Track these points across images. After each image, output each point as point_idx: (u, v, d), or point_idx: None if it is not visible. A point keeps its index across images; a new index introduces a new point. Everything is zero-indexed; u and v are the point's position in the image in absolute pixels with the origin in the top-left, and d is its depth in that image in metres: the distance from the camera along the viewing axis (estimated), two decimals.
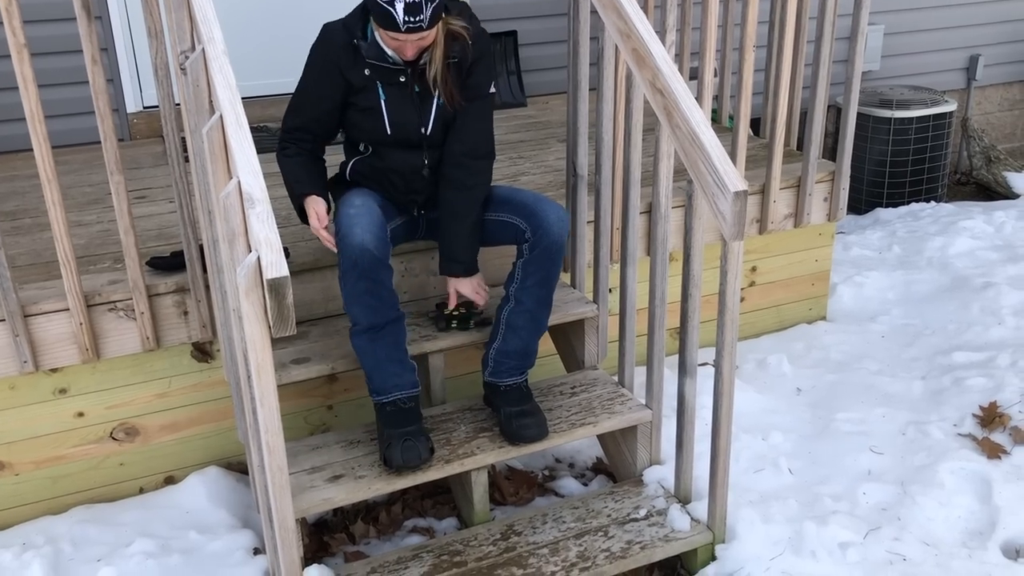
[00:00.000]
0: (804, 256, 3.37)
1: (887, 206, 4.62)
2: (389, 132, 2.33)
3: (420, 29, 2.15)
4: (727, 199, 1.93)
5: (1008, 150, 5.35)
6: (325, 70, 2.29)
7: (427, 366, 2.53)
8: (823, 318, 3.48)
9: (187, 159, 2.32)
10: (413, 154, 2.38)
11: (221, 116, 1.85)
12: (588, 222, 2.72)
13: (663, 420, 2.53)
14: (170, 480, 2.69)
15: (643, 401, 2.52)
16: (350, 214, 2.20)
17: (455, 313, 2.50)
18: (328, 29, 2.31)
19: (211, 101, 1.98)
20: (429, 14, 2.14)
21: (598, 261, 2.64)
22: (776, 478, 2.60)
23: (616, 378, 2.64)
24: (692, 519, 2.36)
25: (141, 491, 2.67)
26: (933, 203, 4.59)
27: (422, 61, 2.28)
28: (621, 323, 2.55)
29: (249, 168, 1.76)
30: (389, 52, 2.26)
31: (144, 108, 3.81)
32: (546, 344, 2.88)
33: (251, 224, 1.69)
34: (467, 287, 2.45)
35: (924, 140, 4.55)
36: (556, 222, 2.32)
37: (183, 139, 2.32)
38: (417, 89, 2.31)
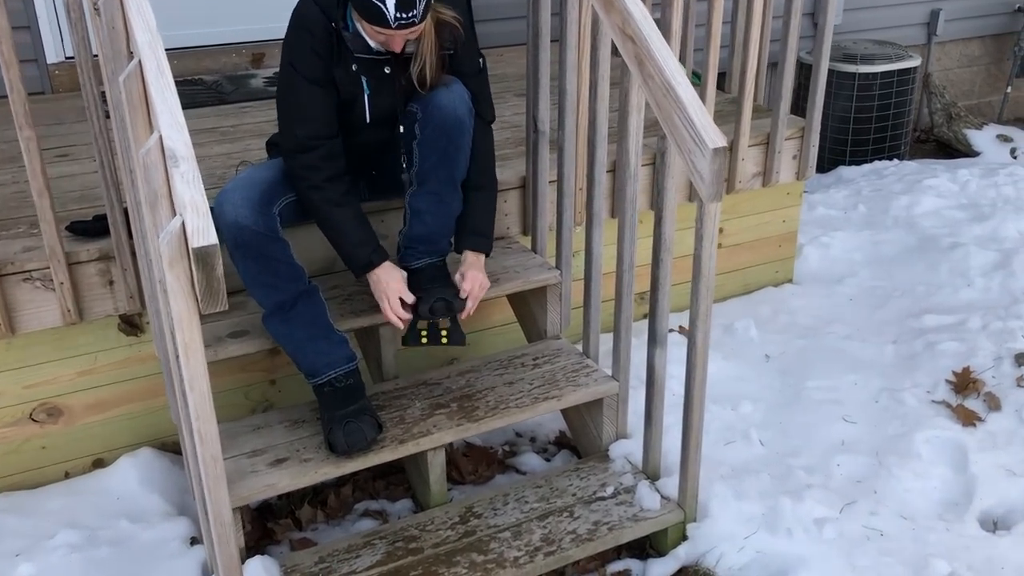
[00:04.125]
0: (771, 217, 3.23)
1: (850, 164, 4.51)
2: (369, 120, 2.15)
3: (412, 24, 1.95)
4: (705, 156, 1.77)
5: (967, 107, 5.27)
6: (313, 63, 2.05)
7: (377, 338, 2.35)
8: (790, 281, 3.36)
9: (108, 114, 2.09)
10: (385, 130, 2.20)
11: (140, 62, 1.63)
12: (550, 181, 2.54)
13: (630, 392, 2.39)
14: (99, 463, 2.48)
15: (609, 372, 2.37)
16: (224, 190, 2.02)
17: (429, 326, 2.22)
18: (304, 15, 2.04)
19: (129, 46, 1.75)
20: (422, 8, 1.94)
21: (561, 223, 2.46)
22: (747, 450, 2.48)
23: (580, 348, 2.48)
24: (662, 497, 2.22)
25: (67, 476, 2.45)
26: (896, 161, 4.49)
27: (408, 50, 2.08)
28: (586, 290, 2.39)
29: (172, 121, 1.55)
30: (373, 44, 2.05)
31: (67, 58, 3.51)
32: (505, 311, 2.72)
33: (175, 185, 1.49)
34: (478, 279, 2.24)
35: (888, 96, 4.43)
36: (446, 95, 2.11)
37: (103, 92, 2.08)
38: (403, 82, 2.12)
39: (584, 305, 2.42)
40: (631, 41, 1.93)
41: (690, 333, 2.04)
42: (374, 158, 2.28)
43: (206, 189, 1.51)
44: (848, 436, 2.54)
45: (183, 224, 1.44)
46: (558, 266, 2.50)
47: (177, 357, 1.61)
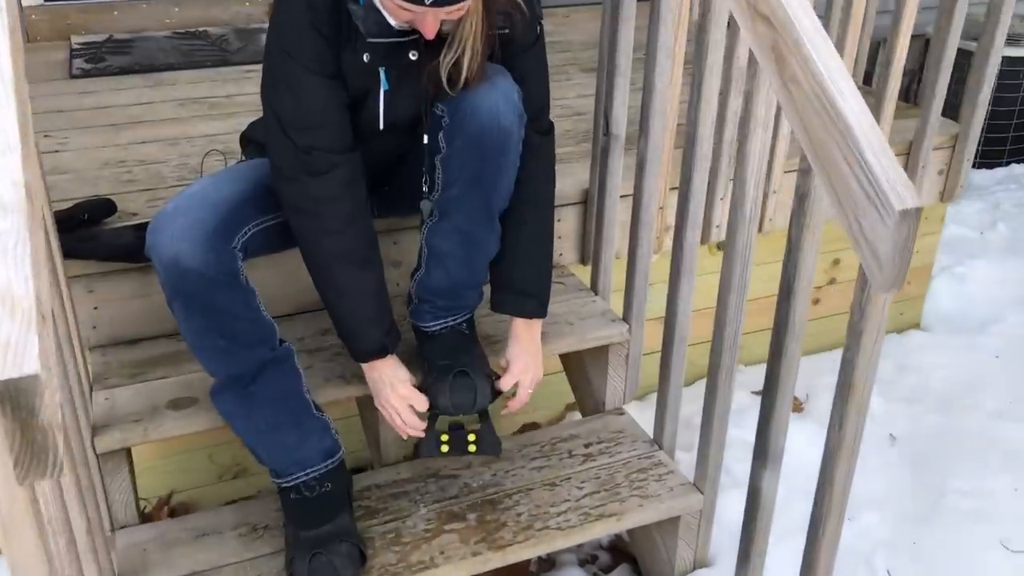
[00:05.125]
0: None
1: (980, 167, 3.74)
2: (382, 127, 1.50)
3: (455, 0, 1.30)
4: (887, 221, 1.09)
5: None
6: (317, 47, 1.40)
7: (374, 408, 1.73)
8: (917, 326, 2.66)
9: None
10: (402, 138, 1.56)
11: None
12: (622, 196, 1.88)
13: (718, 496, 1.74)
14: None
15: (690, 477, 1.73)
16: (164, 212, 1.40)
17: (450, 427, 1.62)
18: None
19: None
20: None
21: (635, 258, 1.80)
22: None
23: (651, 432, 1.84)
24: None
25: None
26: None
27: (444, 30, 1.39)
28: (665, 354, 1.74)
29: None
30: (395, 22, 1.39)
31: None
32: (552, 360, 2.07)
33: None
34: (530, 366, 1.63)
35: None
36: (486, 95, 1.45)
37: None
38: (431, 74, 1.45)
39: (661, 376, 1.76)
40: (765, 22, 1.25)
41: (826, 473, 1.38)
42: (385, 172, 1.65)
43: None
44: (1009, 572, 1.87)
45: None
46: (626, 318, 1.85)
47: None
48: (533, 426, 2.29)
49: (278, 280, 1.80)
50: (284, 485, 1.51)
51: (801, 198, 1.33)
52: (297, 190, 1.44)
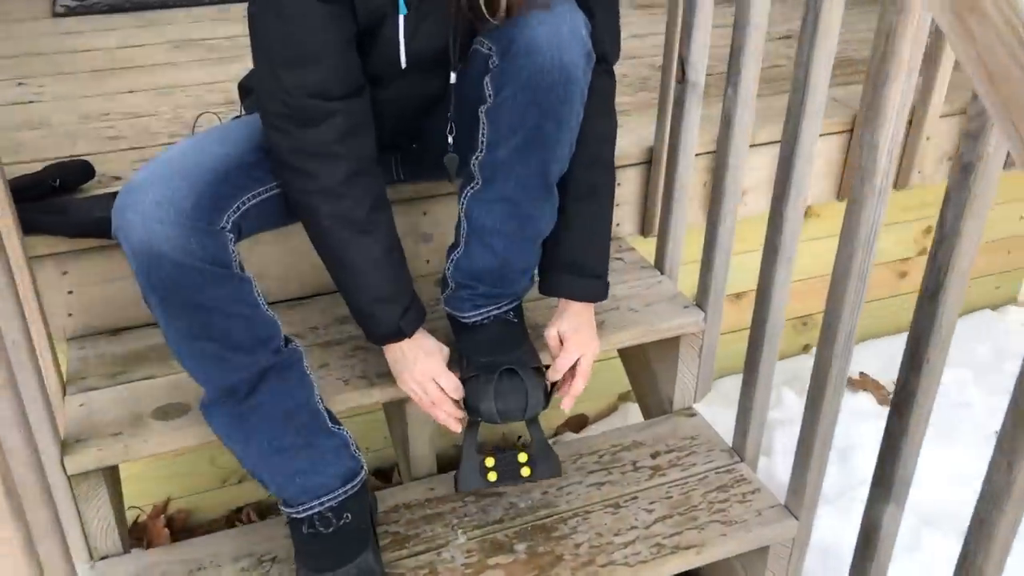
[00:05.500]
0: (1005, 211, 2.21)
1: None
2: (404, 64, 1.18)
3: None
4: None
5: None
6: None
7: (402, 412, 1.45)
8: (1014, 301, 2.34)
9: None
10: (431, 80, 1.25)
11: None
12: (697, 154, 1.57)
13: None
14: None
15: (780, 498, 1.44)
16: (133, 183, 1.10)
17: (495, 451, 1.35)
18: None
19: None
20: None
21: (715, 230, 1.49)
22: None
23: (728, 440, 1.55)
24: None
25: None
26: None
27: None
28: (753, 352, 1.43)
29: None
30: None
31: None
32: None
33: None
34: (587, 351, 1.34)
35: None
36: (546, 26, 1.13)
37: None
38: None
39: (747, 374, 1.46)
40: None
41: (986, 526, 1.08)
42: (411, 125, 1.34)
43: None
44: None
45: None
46: (700, 304, 1.55)
47: None
48: (580, 420, 2.02)
49: (285, 256, 1.51)
50: (295, 516, 1.24)
51: (966, 169, 1.01)
52: (285, 142, 1.14)
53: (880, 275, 2.13)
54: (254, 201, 1.17)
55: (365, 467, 1.30)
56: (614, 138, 1.33)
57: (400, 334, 1.24)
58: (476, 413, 1.29)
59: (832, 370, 1.26)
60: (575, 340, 1.32)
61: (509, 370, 1.28)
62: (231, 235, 1.13)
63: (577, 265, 1.32)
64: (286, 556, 1.32)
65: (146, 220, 1.07)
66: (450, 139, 1.26)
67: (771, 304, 1.37)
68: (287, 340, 1.22)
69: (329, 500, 1.23)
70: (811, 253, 1.80)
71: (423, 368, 1.26)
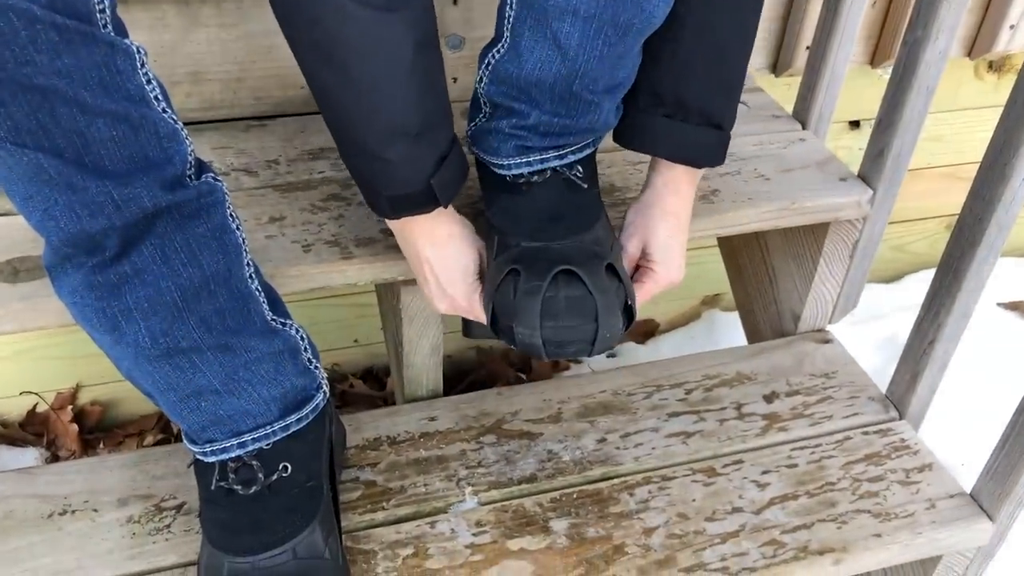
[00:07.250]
0: None
1: None
2: None
3: None
4: None
5: None
6: None
7: (397, 301, 0.93)
8: None
9: None
10: None
11: None
12: None
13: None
14: None
15: (964, 485, 0.93)
16: None
17: None
18: None
19: None
20: None
21: (915, 60, 0.93)
22: None
23: (883, 387, 1.03)
24: None
25: None
26: None
27: None
28: (962, 234, 0.90)
29: None
30: None
31: None
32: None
33: None
34: (682, 247, 0.83)
35: None
36: None
37: None
38: None
39: (938, 284, 0.94)
40: None
41: None
42: None
43: None
44: None
45: None
46: (867, 177, 1.01)
47: None
48: (648, 327, 1.51)
49: (234, 44, 0.99)
50: (200, 459, 0.76)
51: None
52: None
53: None
54: None
55: (325, 388, 0.81)
56: None
57: (427, 201, 0.73)
58: (508, 338, 0.77)
59: None
60: (672, 258, 0.80)
61: (568, 272, 0.75)
62: None
63: (688, 107, 0.78)
64: (196, 505, 0.85)
65: None
66: None
67: (1007, 179, 0.83)
68: (200, 169, 0.71)
69: (256, 440, 0.74)
70: None
71: (464, 264, 0.76)
